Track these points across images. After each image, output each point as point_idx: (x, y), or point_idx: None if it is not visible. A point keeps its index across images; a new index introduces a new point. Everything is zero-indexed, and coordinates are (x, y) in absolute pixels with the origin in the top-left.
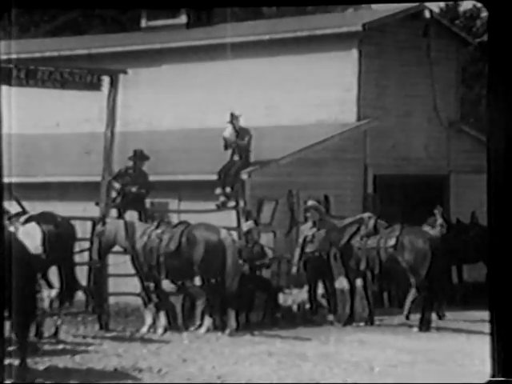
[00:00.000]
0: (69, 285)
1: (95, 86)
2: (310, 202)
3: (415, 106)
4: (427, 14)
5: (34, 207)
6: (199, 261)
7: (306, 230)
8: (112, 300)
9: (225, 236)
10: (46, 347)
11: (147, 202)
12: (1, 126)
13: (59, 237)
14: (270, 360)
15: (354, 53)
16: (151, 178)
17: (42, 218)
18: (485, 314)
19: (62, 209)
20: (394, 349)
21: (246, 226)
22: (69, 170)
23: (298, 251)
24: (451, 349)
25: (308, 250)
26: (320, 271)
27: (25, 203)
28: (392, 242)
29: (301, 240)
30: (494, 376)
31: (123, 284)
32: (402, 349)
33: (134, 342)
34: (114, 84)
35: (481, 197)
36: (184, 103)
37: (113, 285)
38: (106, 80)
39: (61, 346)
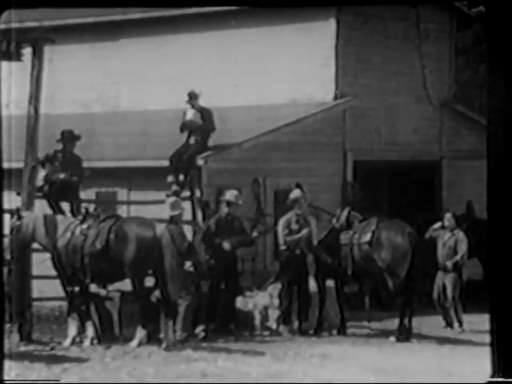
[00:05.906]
0: None
1: (13, 55)
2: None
3: (402, 83)
4: None
5: None
6: (130, 261)
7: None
8: (53, 304)
9: (161, 232)
10: None
11: (93, 191)
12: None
13: None
14: None
15: (332, 23)
16: (99, 165)
17: None
18: (476, 319)
19: None
20: (360, 366)
21: (230, 194)
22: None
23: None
24: (429, 365)
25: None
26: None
27: None
28: (367, 237)
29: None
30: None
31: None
32: (369, 365)
33: (40, 360)
34: (37, 54)
35: (476, 185)
36: (143, 81)
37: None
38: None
39: None
